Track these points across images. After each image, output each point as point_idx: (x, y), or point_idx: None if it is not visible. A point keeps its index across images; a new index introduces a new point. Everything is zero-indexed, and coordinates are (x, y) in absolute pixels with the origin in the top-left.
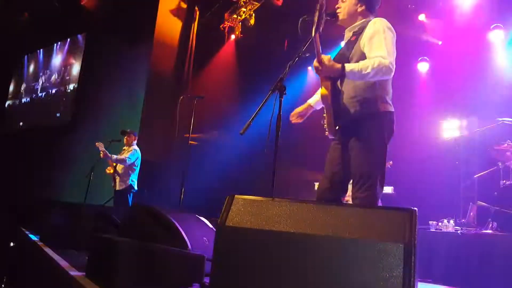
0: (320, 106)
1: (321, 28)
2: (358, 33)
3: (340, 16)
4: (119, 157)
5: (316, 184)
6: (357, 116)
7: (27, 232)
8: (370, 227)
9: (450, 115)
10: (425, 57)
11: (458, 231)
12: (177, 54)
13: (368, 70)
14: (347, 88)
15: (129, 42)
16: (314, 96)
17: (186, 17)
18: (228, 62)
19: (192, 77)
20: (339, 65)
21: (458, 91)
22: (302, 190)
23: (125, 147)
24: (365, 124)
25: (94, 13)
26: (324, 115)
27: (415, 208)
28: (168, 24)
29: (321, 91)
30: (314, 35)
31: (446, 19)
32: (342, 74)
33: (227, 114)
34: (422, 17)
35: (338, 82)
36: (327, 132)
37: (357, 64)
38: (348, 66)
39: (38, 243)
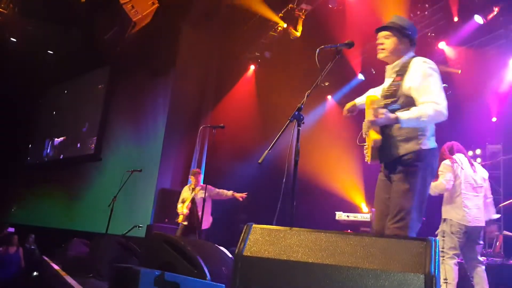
0: (362, 106)
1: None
2: (402, 73)
3: (383, 54)
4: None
5: (338, 213)
6: (401, 154)
7: (50, 262)
8: (390, 257)
9: (473, 143)
10: (445, 84)
11: (484, 262)
12: (198, 84)
13: (424, 119)
14: (393, 128)
15: (151, 74)
16: (361, 97)
17: (207, 48)
18: (248, 91)
19: (212, 107)
20: (394, 116)
21: (481, 119)
22: (323, 219)
23: (194, 187)
24: (409, 162)
25: (117, 46)
26: (366, 146)
27: (436, 238)
28: (189, 56)
29: (372, 135)
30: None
31: (466, 47)
32: (396, 123)
33: (246, 143)
34: (442, 45)
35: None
36: (367, 159)
37: (412, 113)
38: (404, 116)
39: (60, 272)
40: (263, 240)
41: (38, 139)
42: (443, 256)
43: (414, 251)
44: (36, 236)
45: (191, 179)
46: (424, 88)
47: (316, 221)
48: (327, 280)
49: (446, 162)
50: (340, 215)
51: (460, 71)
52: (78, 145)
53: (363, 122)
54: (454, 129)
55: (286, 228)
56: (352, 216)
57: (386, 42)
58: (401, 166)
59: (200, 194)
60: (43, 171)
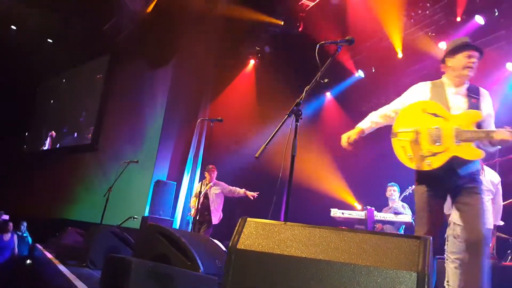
0: (371, 131)
1: None
2: (477, 96)
3: (472, 73)
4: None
5: (333, 210)
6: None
7: (43, 250)
8: (384, 254)
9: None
10: None
11: None
12: (197, 77)
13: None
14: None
15: (150, 65)
16: (368, 121)
17: (206, 41)
18: (247, 86)
19: (211, 100)
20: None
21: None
22: (317, 216)
23: (208, 182)
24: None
25: (117, 37)
26: (432, 152)
27: (430, 237)
28: (189, 48)
29: (473, 150)
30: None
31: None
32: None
33: (244, 137)
34: (442, 44)
35: None
36: (412, 165)
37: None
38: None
39: (54, 260)
40: (257, 233)
41: (35, 128)
42: (447, 260)
43: (408, 249)
44: (31, 225)
45: (206, 175)
46: (492, 120)
47: (311, 217)
48: (319, 275)
49: None
50: (335, 212)
51: None
52: (75, 134)
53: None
54: None
55: (280, 223)
56: (347, 213)
57: (476, 64)
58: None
59: (213, 190)
60: (39, 159)
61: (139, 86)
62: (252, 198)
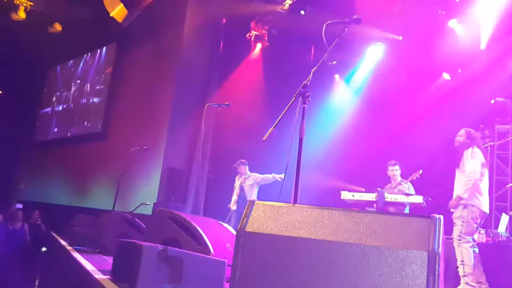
0: None
1: None
2: None
3: None
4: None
5: (343, 193)
6: None
7: (57, 238)
8: (394, 234)
9: (482, 122)
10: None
11: (490, 241)
12: (204, 62)
13: None
14: None
15: (158, 51)
16: None
17: (213, 26)
18: (255, 70)
19: (218, 85)
20: None
21: (492, 98)
22: (327, 198)
23: (240, 176)
24: None
25: (124, 25)
26: None
27: (440, 216)
28: (195, 34)
29: None
30: None
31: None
32: None
33: (252, 121)
34: (452, 22)
35: None
36: None
37: None
38: None
39: (67, 247)
40: (266, 216)
41: (45, 117)
42: (460, 240)
43: (418, 228)
44: (44, 213)
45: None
46: None
47: (320, 200)
48: (329, 256)
49: (477, 150)
50: (346, 195)
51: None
52: (86, 123)
53: None
54: (464, 109)
55: (288, 205)
56: (357, 196)
57: None
58: None
59: (248, 182)
60: (50, 148)
61: (146, 73)
62: (280, 180)
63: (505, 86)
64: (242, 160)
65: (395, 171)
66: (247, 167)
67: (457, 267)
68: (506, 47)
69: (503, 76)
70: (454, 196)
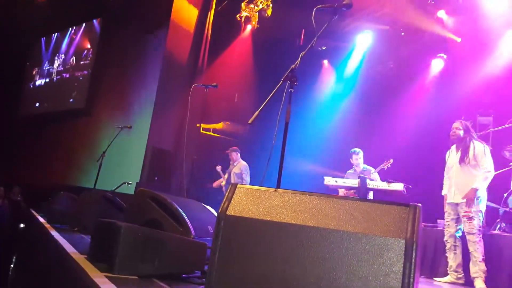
0: None
1: None
2: None
3: None
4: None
5: (326, 178)
6: None
7: (36, 215)
8: (373, 221)
9: (464, 114)
10: (442, 54)
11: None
12: (192, 42)
13: None
14: None
15: (144, 28)
16: None
17: (202, 5)
18: (244, 52)
19: (206, 66)
20: None
21: (474, 90)
22: (311, 183)
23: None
24: None
25: None
26: None
27: (419, 204)
28: (184, 11)
29: None
30: None
31: (466, 16)
32: None
33: (239, 104)
34: (441, 13)
35: None
36: None
37: None
38: None
39: (46, 225)
40: (247, 200)
41: (28, 92)
42: (480, 234)
43: (397, 216)
44: (24, 190)
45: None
46: None
47: (304, 185)
48: (309, 242)
49: (487, 148)
50: (329, 180)
51: (460, 40)
52: (69, 99)
53: None
54: (447, 99)
55: (270, 189)
56: (340, 181)
57: None
58: None
59: (234, 170)
60: (33, 125)
61: (133, 50)
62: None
63: (487, 79)
64: (234, 147)
65: (359, 159)
66: (239, 154)
67: (433, 257)
68: (486, 39)
69: (485, 69)
70: (462, 189)
